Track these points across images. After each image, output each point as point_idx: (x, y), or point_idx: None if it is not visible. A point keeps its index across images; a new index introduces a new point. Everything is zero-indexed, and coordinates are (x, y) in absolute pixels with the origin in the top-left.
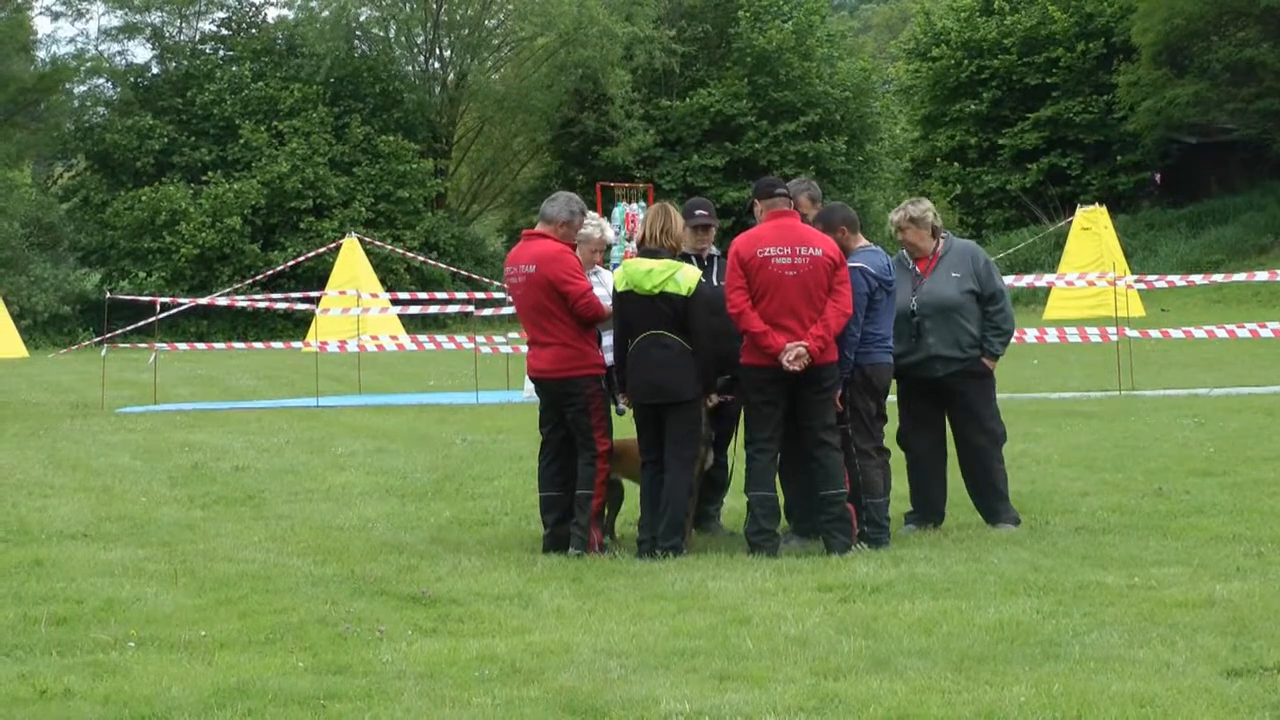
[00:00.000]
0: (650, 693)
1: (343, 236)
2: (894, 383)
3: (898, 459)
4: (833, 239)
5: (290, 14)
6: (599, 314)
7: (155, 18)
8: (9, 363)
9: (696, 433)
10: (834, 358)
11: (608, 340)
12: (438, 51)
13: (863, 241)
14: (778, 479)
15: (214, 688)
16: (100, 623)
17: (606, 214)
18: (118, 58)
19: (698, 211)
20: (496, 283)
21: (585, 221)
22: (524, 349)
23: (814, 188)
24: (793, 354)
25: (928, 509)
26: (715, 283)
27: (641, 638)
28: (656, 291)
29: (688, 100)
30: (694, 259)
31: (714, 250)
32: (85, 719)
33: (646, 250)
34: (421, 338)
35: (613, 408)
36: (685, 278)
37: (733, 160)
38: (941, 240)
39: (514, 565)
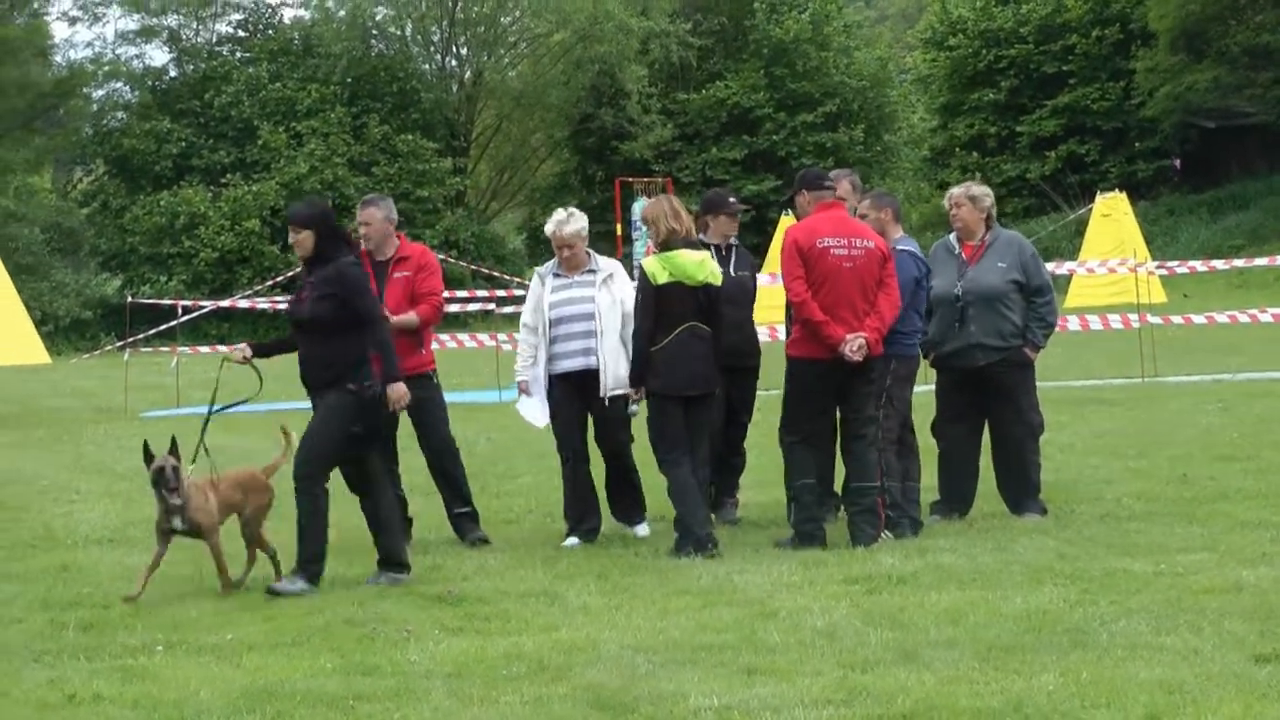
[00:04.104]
0: (678, 688)
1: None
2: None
3: (928, 448)
4: (876, 219)
5: (306, 14)
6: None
7: (172, 20)
8: (32, 368)
9: (715, 424)
10: (882, 350)
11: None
12: (454, 49)
13: (901, 231)
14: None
15: (242, 690)
16: (127, 627)
17: (626, 209)
18: (135, 61)
19: (731, 200)
20: (518, 280)
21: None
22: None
23: (855, 176)
24: (855, 345)
25: (956, 499)
26: (733, 273)
27: (668, 633)
28: (702, 282)
29: (705, 93)
30: (718, 248)
31: (734, 239)
32: None
33: (688, 241)
34: (443, 336)
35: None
36: (717, 269)
37: (751, 152)
38: (990, 229)
39: (539, 563)
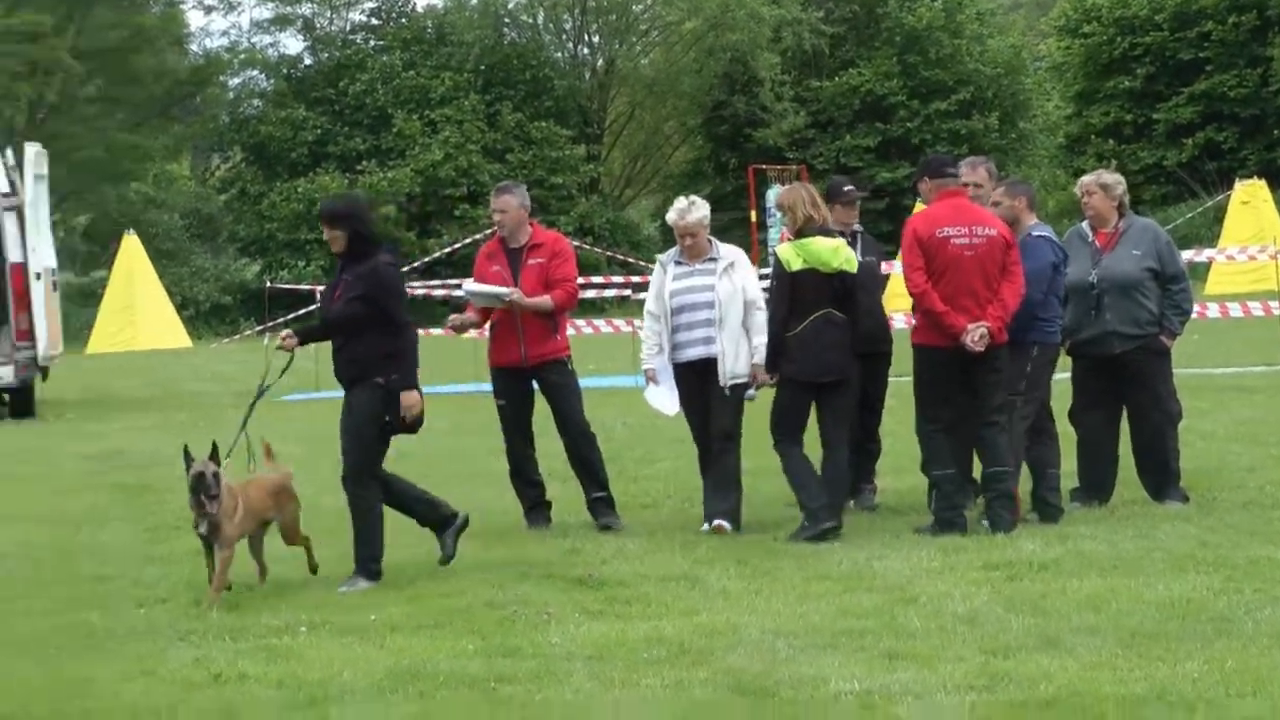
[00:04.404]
0: (819, 672)
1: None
2: (1066, 360)
3: (1067, 435)
4: (1010, 206)
5: (439, 2)
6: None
7: (306, 9)
8: (174, 353)
9: (853, 410)
10: (1006, 338)
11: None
12: (586, 37)
13: (1034, 219)
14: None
15: (386, 671)
16: (271, 608)
17: (760, 196)
18: (270, 50)
19: (846, 188)
20: (652, 266)
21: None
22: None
23: (991, 163)
24: (977, 334)
25: (1095, 486)
26: (860, 259)
27: (808, 618)
28: (837, 269)
29: (838, 81)
30: (841, 235)
31: (858, 226)
32: (260, 702)
33: (823, 229)
34: (579, 322)
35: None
36: (852, 255)
37: (885, 140)
38: (1123, 217)
39: (679, 547)
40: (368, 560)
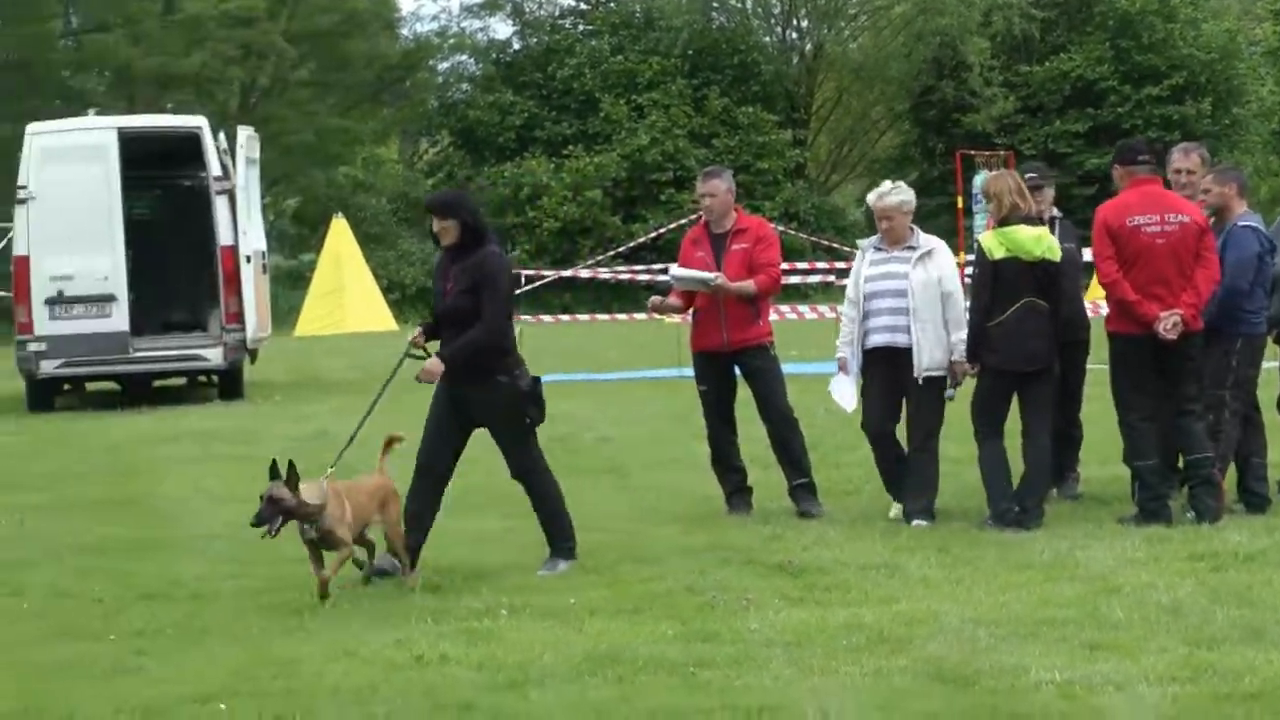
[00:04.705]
0: (1019, 661)
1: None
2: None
3: (1274, 425)
4: (1220, 193)
5: None
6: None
7: None
8: (380, 335)
9: (1054, 400)
10: (1200, 326)
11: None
12: (794, 22)
13: (1244, 207)
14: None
15: (585, 654)
16: (472, 591)
17: (967, 182)
18: (479, 34)
19: (1029, 175)
20: (858, 251)
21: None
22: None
23: (1204, 149)
24: (1170, 322)
25: None
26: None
27: (1009, 607)
28: (1040, 258)
29: (1048, 66)
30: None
31: (1055, 212)
32: (460, 684)
33: (1026, 218)
34: (783, 307)
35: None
36: (1055, 243)
37: (1095, 125)
38: None
39: (879, 535)
40: (561, 541)
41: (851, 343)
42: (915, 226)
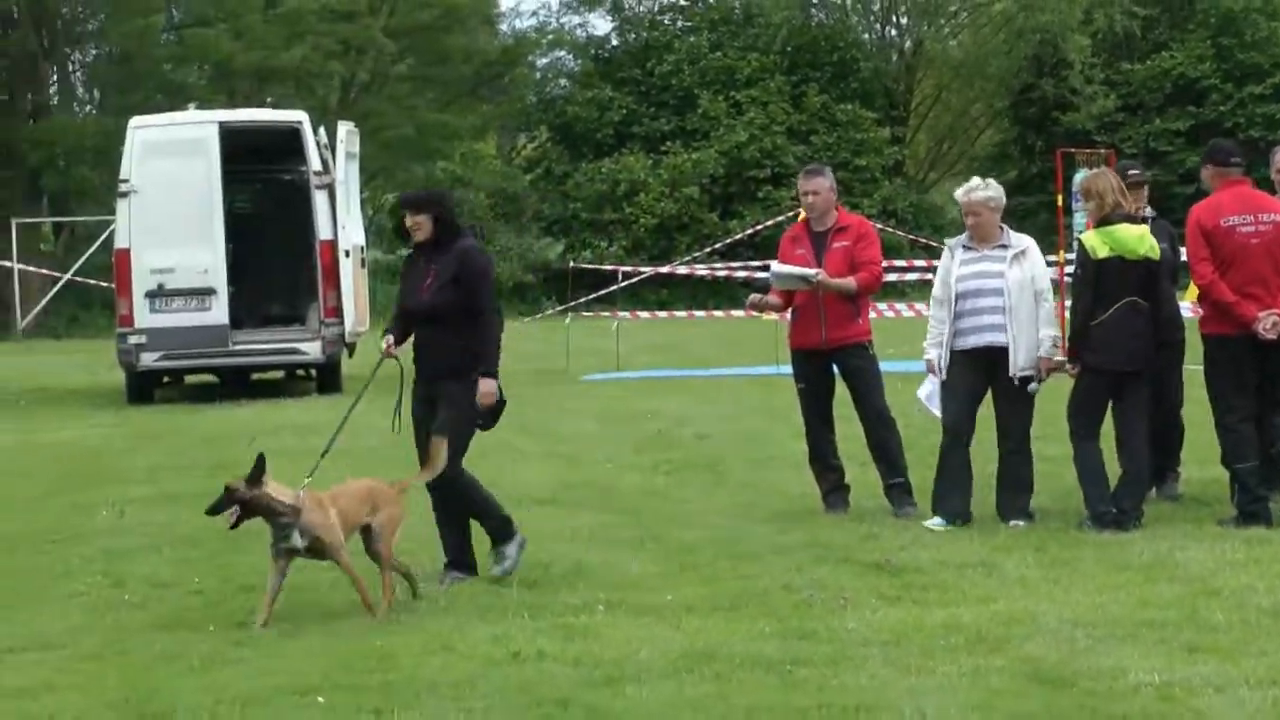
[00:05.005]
0: (1118, 663)
1: (800, 205)
2: None
3: None
4: None
5: None
6: None
7: None
8: None
9: (1150, 400)
10: None
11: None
12: (894, 19)
13: None
14: None
15: (682, 651)
16: (569, 586)
17: (1067, 180)
18: (578, 30)
19: (1131, 171)
20: None
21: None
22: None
23: None
24: (1269, 322)
25: None
26: None
27: (1107, 608)
28: (1142, 257)
29: (1149, 64)
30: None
31: (1151, 212)
32: (557, 680)
33: (1128, 216)
34: (880, 305)
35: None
36: (1155, 243)
37: (1197, 124)
38: None
39: (976, 534)
40: (501, 528)
41: (941, 344)
42: (1005, 225)
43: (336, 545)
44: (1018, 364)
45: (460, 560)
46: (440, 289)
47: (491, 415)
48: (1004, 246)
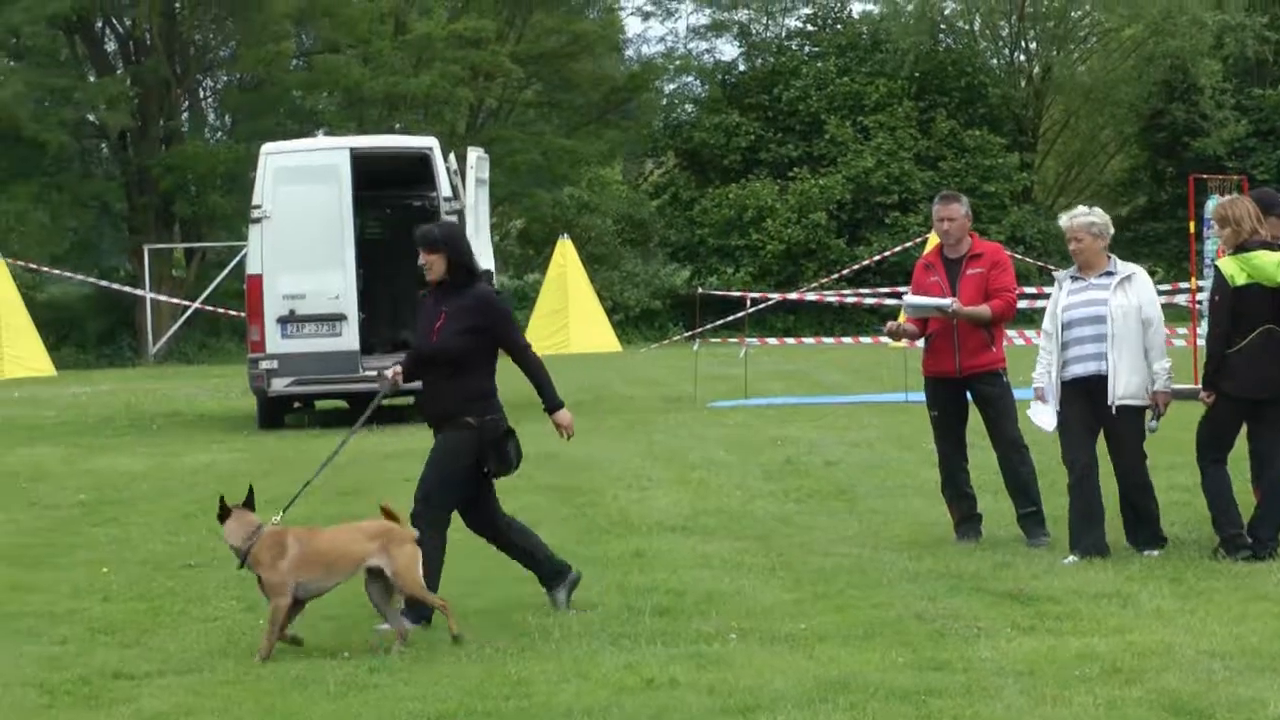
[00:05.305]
0: (1257, 695)
1: (928, 232)
2: None
3: None
4: None
5: (875, 8)
6: None
7: (742, 15)
8: (604, 356)
9: None
10: None
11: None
12: (1023, 44)
13: None
14: None
15: (816, 680)
16: (702, 614)
17: (1199, 206)
18: (705, 56)
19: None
20: None
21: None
22: None
23: None
24: None
25: None
26: None
27: (1245, 639)
28: None
29: None
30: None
31: None
32: (690, 708)
33: (1265, 243)
34: (1010, 333)
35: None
36: None
37: None
38: None
39: (1110, 564)
40: (421, 608)
41: (1049, 373)
42: (1112, 254)
43: (272, 587)
44: (1116, 392)
45: (552, 572)
46: (456, 334)
47: (499, 459)
48: (1109, 274)
